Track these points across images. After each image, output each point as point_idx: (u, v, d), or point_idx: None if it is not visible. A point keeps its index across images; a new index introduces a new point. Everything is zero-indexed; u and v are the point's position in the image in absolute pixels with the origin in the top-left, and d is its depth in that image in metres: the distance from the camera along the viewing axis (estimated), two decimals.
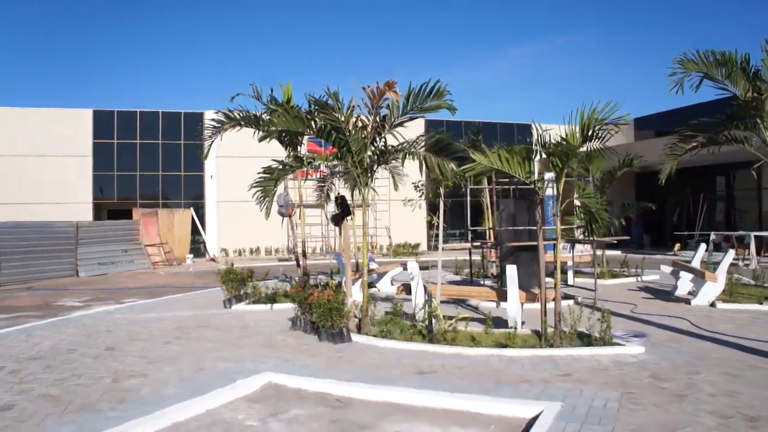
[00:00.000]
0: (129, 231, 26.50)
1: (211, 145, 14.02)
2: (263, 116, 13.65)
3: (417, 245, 34.20)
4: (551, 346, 8.66)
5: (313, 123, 10.59)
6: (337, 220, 17.60)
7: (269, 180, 10.29)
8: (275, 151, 32.36)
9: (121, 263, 25.07)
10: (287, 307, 12.49)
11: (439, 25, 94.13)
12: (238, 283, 13.22)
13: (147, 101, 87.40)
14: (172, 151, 31.34)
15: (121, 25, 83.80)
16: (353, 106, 10.05)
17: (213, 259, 29.89)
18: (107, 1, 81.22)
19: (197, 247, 30.69)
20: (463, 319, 9.59)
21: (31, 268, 21.54)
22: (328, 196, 18.19)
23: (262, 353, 8.71)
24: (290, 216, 14.71)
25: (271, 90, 13.41)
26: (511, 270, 10.09)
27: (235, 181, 31.40)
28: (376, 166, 10.56)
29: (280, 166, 10.38)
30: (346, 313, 9.56)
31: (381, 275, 15.92)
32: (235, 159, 31.58)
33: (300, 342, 9.48)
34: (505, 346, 8.72)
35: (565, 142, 8.71)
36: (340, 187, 16.20)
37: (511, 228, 14.08)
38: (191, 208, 30.22)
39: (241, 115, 13.50)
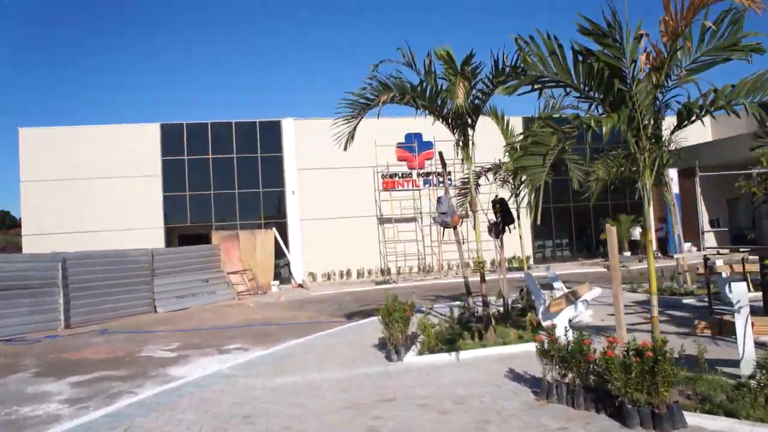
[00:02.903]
0: (209, 257, 22.95)
1: (355, 128, 10.02)
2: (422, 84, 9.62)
3: (527, 258, 29.78)
4: None
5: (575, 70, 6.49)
6: (499, 230, 13.53)
7: (537, 154, 6.23)
8: (360, 159, 28.74)
9: (202, 295, 21.48)
10: (480, 357, 8.61)
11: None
12: (404, 323, 9.20)
13: (217, 112, 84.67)
14: (248, 165, 27.83)
15: (189, 33, 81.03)
16: (642, 35, 5.97)
17: (301, 285, 26.12)
18: (170, 9, 78.57)
19: (279, 271, 26.91)
20: None
21: (104, 306, 18.07)
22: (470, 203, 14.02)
23: None
24: (455, 227, 10.74)
25: (428, 54, 9.43)
26: None
27: (320, 196, 27.81)
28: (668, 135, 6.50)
29: (553, 129, 6.34)
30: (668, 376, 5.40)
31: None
32: (318, 171, 27.97)
33: None
34: None
35: None
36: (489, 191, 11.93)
37: None
38: (273, 228, 26.56)
39: (399, 84, 9.47)
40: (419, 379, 7.74)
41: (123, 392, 8.44)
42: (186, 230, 27.80)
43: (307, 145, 27.94)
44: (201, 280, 21.89)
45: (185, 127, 27.30)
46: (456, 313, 11.71)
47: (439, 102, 9.54)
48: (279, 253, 26.63)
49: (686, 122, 6.14)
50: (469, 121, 9.67)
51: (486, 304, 9.87)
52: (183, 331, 14.92)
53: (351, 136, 9.87)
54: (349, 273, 28.16)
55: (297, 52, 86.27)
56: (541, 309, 10.06)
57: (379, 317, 9.24)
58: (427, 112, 9.81)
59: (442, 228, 10.59)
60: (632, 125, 6.15)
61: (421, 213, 28.84)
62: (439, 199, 10.82)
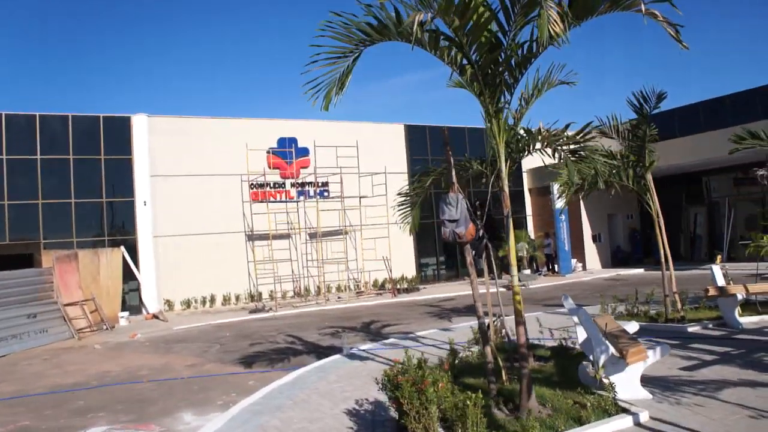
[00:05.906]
0: (37, 285, 17.76)
1: (347, 73, 6.20)
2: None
3: (414, 279, 27.27)
4: None
5: None
6: (482, 247, 10.25)
7: None
8: (221, 167, 24.60)
9: (29, 336, 16.41)
10: None
11: None
12: (437, 404, 5.81)
13: (53, 104, 73.78)
14: (88, 169, 22.62)
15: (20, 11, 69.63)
16: None
17: (156, 316, 21.45)
18: None
19: (124, 297, 21.86)
20: None
21: None
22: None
23: None
24: (469, 242, 7.51)
25: None
26: None
27: (177, 208, 23.36)
28: None
29: None
30: None
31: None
32: (175, 179, 23.53)
33: None
34: None
35: None
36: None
37: None
38: (122, 247, 21.68)
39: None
40: None
41: None
42: (4, 249, 21.96)
43: (163, 147, 23.37)
44: (26, 315, 16.75)
45: (4, 119, 21.56)
46: (424, 356, 8.41)
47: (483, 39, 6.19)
48: (126, 276, 21.79)
49: None
50: (510, 77, 6.52)
51: (525, 358, 6.63)
52: (4, 401, 10.33)
53: (339, 86, 6.12)
54: (213, 299, 23.86)
55: (155, 42, 78.65)
56: (603, 358, 7.12)
57: (399, 399, 5.72)
58: (460, 56, 6.45)
59: (452, 239, 7.24)
60: None
61: (298, 228, 25.36)
62: (444, 200, 7.35)
